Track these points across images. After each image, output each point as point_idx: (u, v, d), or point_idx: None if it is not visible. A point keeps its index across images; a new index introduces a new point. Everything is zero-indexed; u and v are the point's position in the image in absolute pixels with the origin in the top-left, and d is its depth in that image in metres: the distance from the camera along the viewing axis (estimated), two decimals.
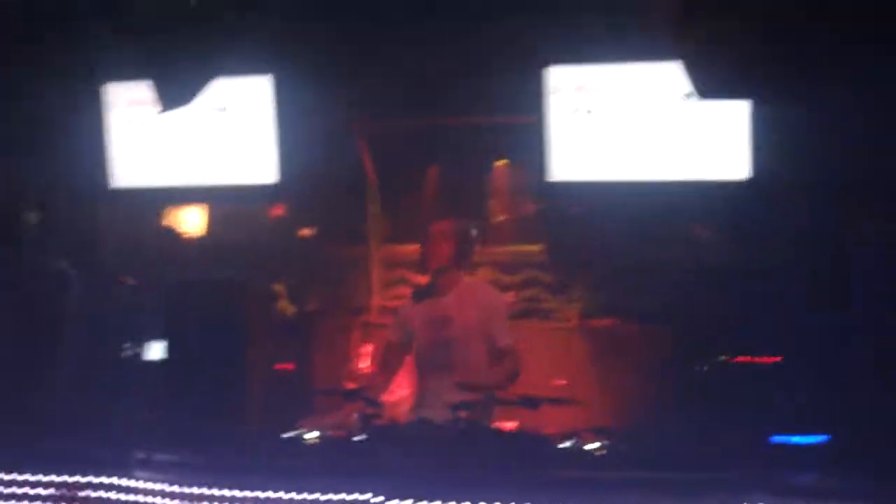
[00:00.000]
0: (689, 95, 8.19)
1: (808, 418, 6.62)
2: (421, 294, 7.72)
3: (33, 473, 6.48)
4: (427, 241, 7.72)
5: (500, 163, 10.30)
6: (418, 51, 8.96)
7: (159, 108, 8.90)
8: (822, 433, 6.46)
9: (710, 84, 8.04)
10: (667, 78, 8.31)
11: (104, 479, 6.35)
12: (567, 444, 6.46)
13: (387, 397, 7.52)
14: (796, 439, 6.44)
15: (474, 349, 7.51)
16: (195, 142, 9.30)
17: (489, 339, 7.53)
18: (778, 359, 7.37)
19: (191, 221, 10.00)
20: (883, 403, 6.84)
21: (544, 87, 8.60)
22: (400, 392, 7.96)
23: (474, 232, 7.94)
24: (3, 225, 9.11)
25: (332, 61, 8.99)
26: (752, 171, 8.22)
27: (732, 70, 7.90)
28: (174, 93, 8.90)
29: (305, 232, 10.20)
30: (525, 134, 8.93)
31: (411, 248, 9.90)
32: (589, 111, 8.57)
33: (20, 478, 6.48)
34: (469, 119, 9.75)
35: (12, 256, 8.84)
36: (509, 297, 9.13)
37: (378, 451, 6.41)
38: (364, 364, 9.07)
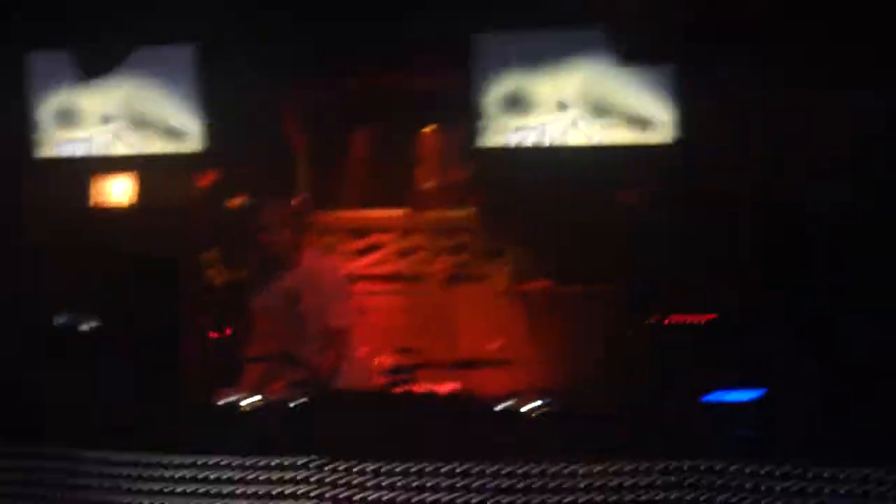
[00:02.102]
0: (615, 60, 8.28)
1: (741, 375, 6.69)
2: (268, 268, 7.67)
3: None
4: (261, 223, 7.62)
5: (429, 127, 10.29)
6: (347, 15, 8.95)
7: (85, 76, 8.89)
8: (757, 389, 6.53)
9: (634, 49, 8.14)
10: (594, 43, 8.37)
11: (44, 450, 6.31)
12: (503, 405, 6.48)
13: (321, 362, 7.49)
14: (730, 396, 6.50)
15: (315, 327, 7.50)
16: (123, 111, 9.26)
17: (323, 319, 7.52)
18: (712, 317, 7.44)
19: (121, 191, 9.91)
20: (818, 359, 6.96)
21: (473, 51, 8.63)
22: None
23: (302, 202, 7.87)
24: None
25: (258, 27, 8.94)
26: (677, 135, 8.30)
27: (655, 35, 8.00)
28: (100, 61, 8.88)
29: (235, 199, 10.14)
30: (454, 98, 8.96)
31: (342, 214, 9.94)
32: (517, 76, 8.62)
33: None
34: (398, 83, 9.73)
35: None
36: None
37: (316, 415, 6.40)
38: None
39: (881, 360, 6.93)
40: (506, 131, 8.70)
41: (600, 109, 8.50)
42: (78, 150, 9.40)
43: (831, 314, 7.40)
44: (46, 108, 9.37)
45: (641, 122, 8.40)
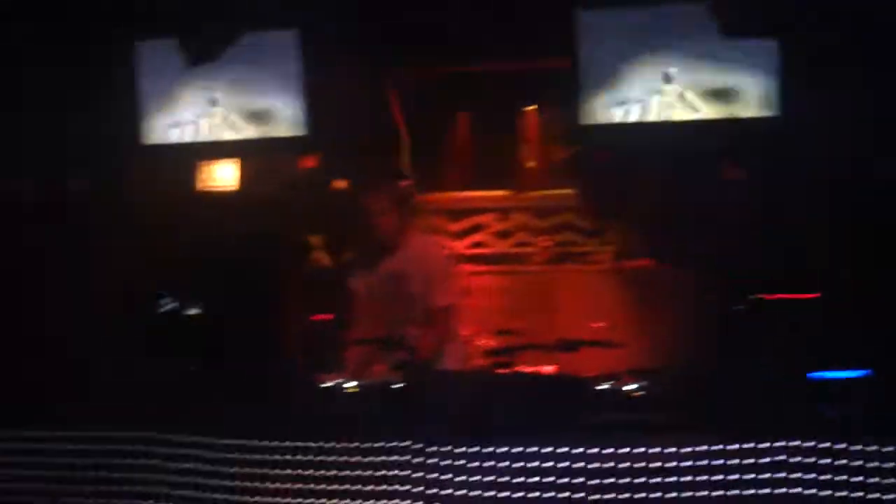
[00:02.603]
0: (719, 34, 8.19)
1: (846, 354, 6.61)
2: (375, 249, 7.69)
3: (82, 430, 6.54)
4: (369, 195, 7.63)
5: (531, 108, 10.28)
6: None
7: (188, 62, 8.99)
8: (863, 368, 6.46)
9: (740, 22, 8.04)
10: (698, 18, 8.28)
11: (149, 434, 6.40)
12: (606, 386, 6.46)
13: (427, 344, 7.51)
14: (835, 375, 6.43)
15: (421, 307, 7.53)
16: (225, 95, 9.34)
17: (428, 299, 7.54)
18: (815, 296, 7.35)
19: (224, 175, 10.02)
20: None
21: (576, 30, 8.58)
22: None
23: (409, 185, 7.86)
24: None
25: (360, 11, 8.98)
26: (783, 110, 8.19)
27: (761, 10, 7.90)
28: (202, 47, 8.97)
29: (339, 183, 10.20)
30: (557, 78, 8.91)
31: (444, 196, 9.97)
32: (621, 51, 8.55)
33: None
34: (500, 65, 9.72)
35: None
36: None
37: (416, 398, 6.42)
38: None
39: None
40: (608, 107, 8.62)
41: (705, 85, 8.41)
42: (183, 136, 9.48)
43: None
44: (152, 95, 9.47)
45: (747, 99, 8.30)
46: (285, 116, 9.15)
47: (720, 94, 8.31)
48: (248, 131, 9.28)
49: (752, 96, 8.24)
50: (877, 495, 5.56)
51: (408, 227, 7.73)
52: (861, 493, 5.57)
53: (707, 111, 8.35)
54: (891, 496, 5.55)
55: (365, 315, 7.73)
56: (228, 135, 9.33)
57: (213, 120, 9.35)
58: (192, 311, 8.44)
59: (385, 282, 7.61)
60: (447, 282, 7.68)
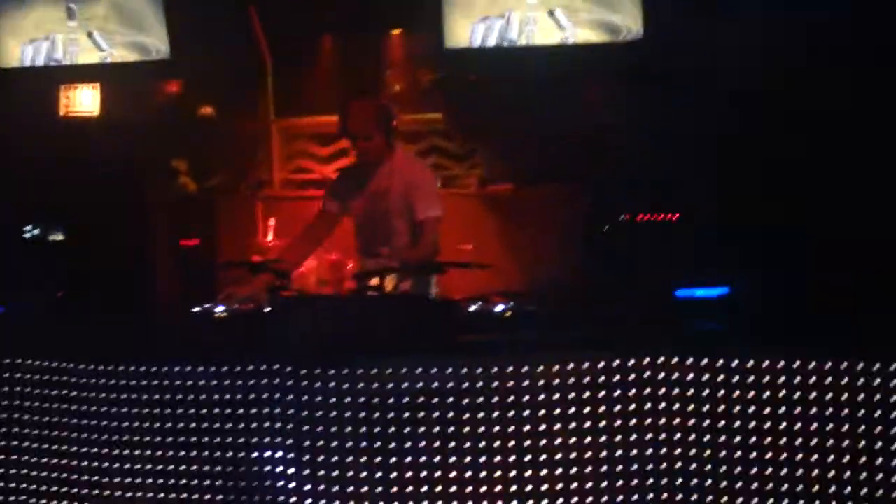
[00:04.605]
0: None
1: (708, 272, 6.74)
2: (355, 167, 7.64)
3: None
4: (349, 118, 7.54)
5: (396, 31, 10.24)
6: None
7: None
8: (723, 286, 6.61)
9: None
10: None
11: (14, 360, 6.30)
12: (474, 307, 6.50)
13: (295, 269, 7.48)
14: (699, 292, 6.57)
15: (400, 222, 7.50)
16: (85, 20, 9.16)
17: (411, 213, 7.51)
18: (676, 216, 7.46)
19: (86, 100, 9.85)
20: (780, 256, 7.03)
21: None
22: (307, 263, 7.95)
23: (391, 105, 7.77)
24: None
25: None
26: (644, 31, 8.25)
27: None
28: None
29: (204, 108, 10.10)
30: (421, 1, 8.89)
31: (310, 121, 9.93)
32: None
33: None
34: None
35: None
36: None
37: (286, 322, 6.40)
38: (269, 237, 9.08)
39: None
40: (471, 25, 8.56)
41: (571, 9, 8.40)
42: (40, 58, 9.27)
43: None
44: (6, 14, 9.25)
45: (613, 18, 8.31)
46: (149, 40, 9.01)
47: (589, 14, 8.31)
48: (111, 54, 9.12)
49: (622, 16, 8.27)
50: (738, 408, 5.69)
51: (389, 145, 7.60)
52: (723, 407, 5.69)
53: (575, 31, 8.36)
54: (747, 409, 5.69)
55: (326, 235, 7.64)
56: (90, 58, 9.17)
57: (73, 39, 9.18)
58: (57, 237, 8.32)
59: (369, 200, 7.50)
60: (431, 195, 7.59)
